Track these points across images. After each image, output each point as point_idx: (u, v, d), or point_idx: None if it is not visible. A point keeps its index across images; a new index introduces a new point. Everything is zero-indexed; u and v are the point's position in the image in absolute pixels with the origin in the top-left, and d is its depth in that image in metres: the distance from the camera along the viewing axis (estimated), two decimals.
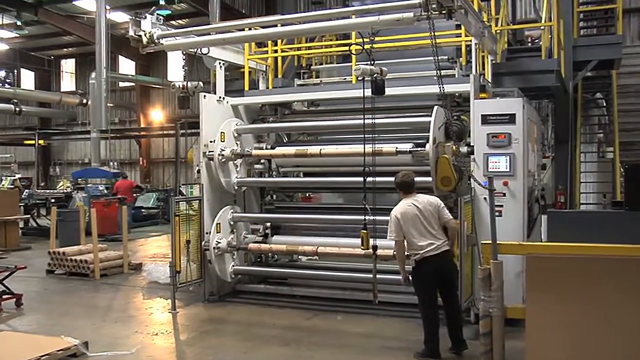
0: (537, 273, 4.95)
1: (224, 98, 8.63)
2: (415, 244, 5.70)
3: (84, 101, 24.56)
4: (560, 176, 10.67)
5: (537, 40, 12.17)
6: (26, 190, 18.68)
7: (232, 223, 8.39)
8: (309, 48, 9.98)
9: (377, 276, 6.16)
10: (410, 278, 5.85)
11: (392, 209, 5.89)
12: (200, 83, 7.60)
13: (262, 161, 8.99)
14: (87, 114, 25.03)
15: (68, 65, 30.39)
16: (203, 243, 8.04)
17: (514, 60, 9.37)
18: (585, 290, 4.80)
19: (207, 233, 8.08)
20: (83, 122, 28.26)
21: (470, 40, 7.60)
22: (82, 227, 11.69)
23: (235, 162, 8.43)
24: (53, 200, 17.16)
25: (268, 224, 8.70)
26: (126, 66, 27.36)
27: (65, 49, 28.79)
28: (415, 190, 5.95)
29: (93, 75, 18.90)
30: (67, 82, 30.30)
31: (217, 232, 8.14)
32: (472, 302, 6.68)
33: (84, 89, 26.08)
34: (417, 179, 7.36)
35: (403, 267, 5.83)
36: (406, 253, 5.84)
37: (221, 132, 8.25)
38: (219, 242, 8.12)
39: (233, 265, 8.38)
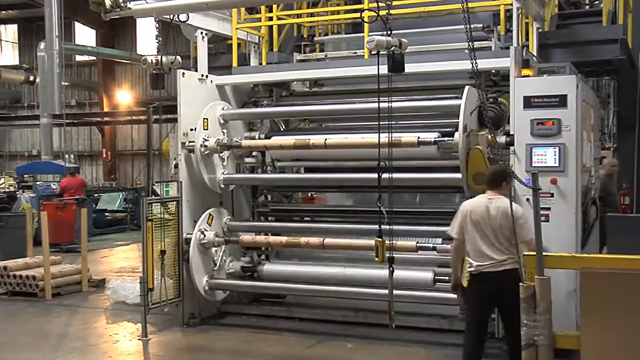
0: (595, 292, 5.01)
1: (207, 76, 8.73)
2: (472, 252, 5.78)
3: (31, 78, 24.69)
4: (624, 172, 10.69)
5: (596, 2, 12.22)
6: None
7: (225, 231, 8.56)
8: (312, 15, 10.05)
9: (395, 294, 6.23)
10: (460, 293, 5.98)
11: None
12: (178, 58, 7.68)
13: (254, 154, 9.08)
14: (35, 94, 25.18)
15: (8, 33, 30.51)
16: (185, 235, 8.17)
17: (567, 28, 9.43)
18: None
19: (194, 221, 8.24)
20: (30, 104, 28.47)
21: (511, 4, 7.67)
22: (29, 235, 11.76)
23: (222, 154, 8.54)
24: None
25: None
26: (85, 36, 27.52)
27: (3, 12, 28.82)
28: (500, 190, 5.90)
29: (42, 45, 19.00)
30: (8, 54, 30.44)
31: (208, 225, 8.28)
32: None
33: (31, 62, 26.23)
34: (443, 175, 7.56)
35: (456, 272, 5.95)
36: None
37: (204, 118, 8.35)
38: (205, 232, 8.24)
39: (208, 279, 8.36)
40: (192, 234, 8.18)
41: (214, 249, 8.42)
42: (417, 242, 7.29)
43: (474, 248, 5.77)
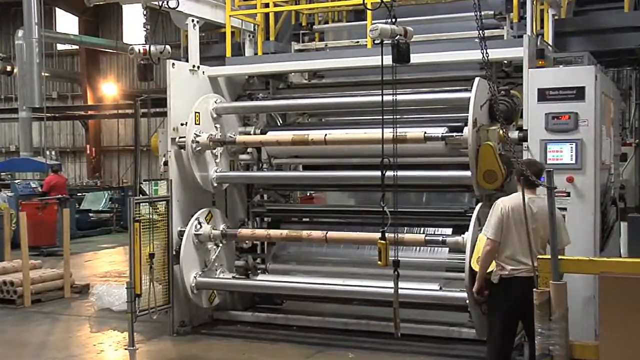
0: (614, 299, 5.00)
1: (199, 67, 8.75)
2: (507, 254, 5.77)
3: (8, 68, 24.62)
4: None
5: None
6: None
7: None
8: (311, 1, 10.07)
9: (399, 294, 6.27)
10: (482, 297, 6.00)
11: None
12: (168, 47, 7.69)
13: (249, 150, 9.13)
14: (13, 85, 25.22)
15: None
16: (178, 229, 8.21)
17: (585, 15, 9.45)
18: None
19: (191, 215, 8.28)
20: (7, 96, 28.47)
21: None
22: (7, 237, 11.81)
23: (214, 151, 8.56)
24: None
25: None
26: (67, 23, 27.51)
27: None
28: (535, 191, 5.86)
29: (20, 33, 19.02)
30: None
31: (207, 222, 8.34)
32: (525, 336, 6.79)
33: (8, 51, 26.18)
34: (451, 173, 7.59)
35: (483, 276, 5.94)
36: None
37: (195, 112, 8.37)
38: (200, 226, 8.26)
39: (195, 276, 8.31)
40: (184, 229, 8.21)
41: (208, 244, 8.45)
42: (426, 235, 7.32)
43: (509, 250, 5.75)
